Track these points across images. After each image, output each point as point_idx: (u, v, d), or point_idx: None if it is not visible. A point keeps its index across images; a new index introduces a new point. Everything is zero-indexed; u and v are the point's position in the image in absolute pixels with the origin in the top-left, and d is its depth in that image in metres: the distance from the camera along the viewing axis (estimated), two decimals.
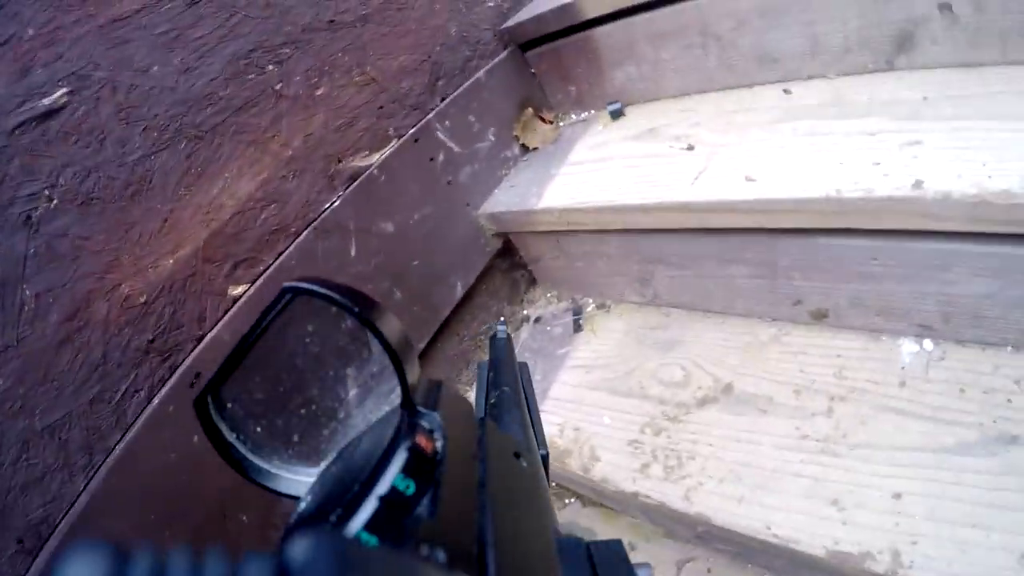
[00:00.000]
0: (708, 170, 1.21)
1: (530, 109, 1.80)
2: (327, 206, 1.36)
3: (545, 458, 0.48)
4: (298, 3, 1.34)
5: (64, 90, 1.01)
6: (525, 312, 1.74)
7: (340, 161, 1.39)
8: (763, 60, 1.35)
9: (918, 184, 0.94)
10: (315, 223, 1.31)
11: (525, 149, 1.77)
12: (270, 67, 1.29)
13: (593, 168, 1.48)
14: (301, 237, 1.28)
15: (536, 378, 1.51)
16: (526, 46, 1.75)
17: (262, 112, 1.26)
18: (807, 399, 1.11)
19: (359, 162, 1.43)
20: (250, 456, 0.38)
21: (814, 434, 1.06)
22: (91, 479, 0.98)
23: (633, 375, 1.36)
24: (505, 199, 1.61)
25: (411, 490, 0.30)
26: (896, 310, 1.11)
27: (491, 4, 1.72)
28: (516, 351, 1.60)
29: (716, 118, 1.37)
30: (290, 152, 1.30)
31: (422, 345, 1.51)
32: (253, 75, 1.26)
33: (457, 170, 1.61)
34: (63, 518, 0.94)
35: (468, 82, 1.66)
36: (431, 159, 1.56)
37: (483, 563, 0.29)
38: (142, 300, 1.06)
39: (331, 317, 0.35)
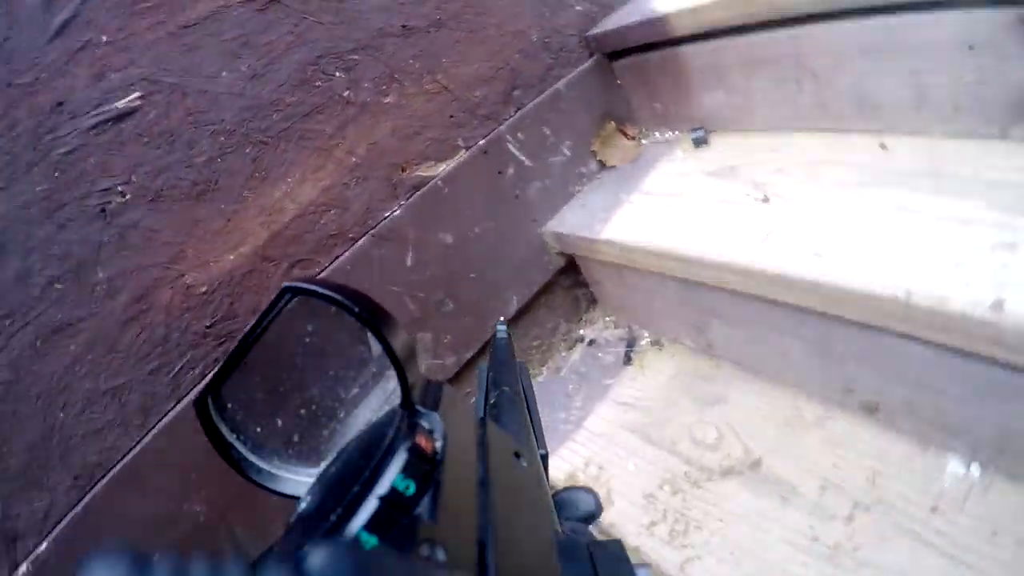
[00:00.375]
0: (777, 232, 1.13)
1: (612, 123, 1.71)
2: (387, 214, 1.36)
3: (545, 458, 0.48)
4: (370, 8, 1.33)
5: (137, 94, 1.08)
6: (581, 332, 1.71)
7: (404, 170, 1.39)
8: (861, 105, 1.22)
9: (998, 305, 0.80)
10: (374, 230, 1.32)
11: (602, 165, 1.69)
12: (338, 74, 1.30)
13: (664, 202, 1.42)
14: (359, 243, 1.30)
15: (576, 403, 1.52)
16: (614, 55, 1.65)
17: (328, 119, 1.28)
18: (831, 498, 1.05)
19: (424, 172, 1.42)
20: (250, 456, 0.39)
21: (826, 538, 1.00)
22: (143, 438, 1.11)
23: (668, 425, 1.33)
24: (572, 219, 1.56)
25: (411, 490, 0.30)
26: (950, 425, 1.00)
27: (579, 8, 1.64)
28: (565, 371, 1.64)
29: (800, 167, 1.27)
30: (354, 159, 1.31)
31: (469, 355, 1.49)
32: (321, 81, 1.28)
33: (526, 184, 1.57)
34: (114, 466, 1.08)
35: (546, 92, 1.60)
36: (500, 172, 1.52)
37: (483, 563, 0.29)
38: (203, 290, 1.15)
39: (331, 317, 0.35)
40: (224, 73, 1.17)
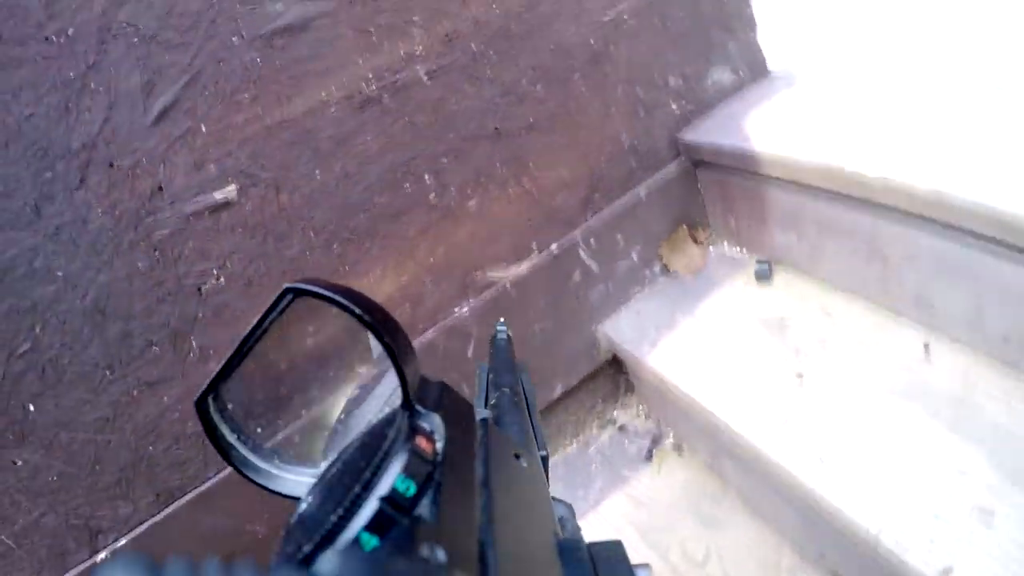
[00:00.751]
0: (796, 422, 1.20)
1: (684, 227, 1.71)
2: (455, 311, 1.41)
3: (545, 459, 0.47)
4: (466, 110, 1.35)
5: (234, 187, 1.15)
6: (615, 413, 1.77)
7: (477, 271, 1.43)
8: (919, 302, 1.25)
9: (946, 572, 0.90)
10: (440, 324, 1.38)
11: (665, 269, 1.71)
12: (426, 177, 1.34)
13: (710, 342, 1.46)
14: (426, 334, 1.36)
15: (596, 486, 1.62)
16: (699, 163, 1.65)
17: (412, 222, 1.33)
18: None
19: (495, 274, 1.46)
20: (250, 456, 0.38)
21: None
22: (220, 472, 1.28)
23: (667, 532, 1.42)
24: (626, 328, 1.62)
25: (411, 491, 0.29)
26: None
27: (674, 107, 1.62)
28: (593, 450, 1.69)
29: (844, 345, 1.31)
30: (432, 260, 1.36)
31: None
32: (409, 184, 1.32)
33: (589, 289, 1.60)
34: (192, 490, 1.27)
35: (625, 197, 1.61)
36: (567, 276, 1.56)
37: (484, 564, 0.29)
38: None
39: (331, 318, 0.35)
40: (318, 172, 1.23)
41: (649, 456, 1.61)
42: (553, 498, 0.39)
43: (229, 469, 1.04)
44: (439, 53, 1.29)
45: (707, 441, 1.46)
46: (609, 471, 1.61)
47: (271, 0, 1.11)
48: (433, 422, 0.33)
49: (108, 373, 1.13)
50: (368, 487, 0.29)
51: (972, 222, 1.02)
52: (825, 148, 1.26)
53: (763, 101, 1.56)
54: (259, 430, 0.39)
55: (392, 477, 0.30)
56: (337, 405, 0.39)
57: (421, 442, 0.32)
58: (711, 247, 1.72)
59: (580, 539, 0.37)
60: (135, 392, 1.17)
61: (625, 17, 1.47)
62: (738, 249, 1.68)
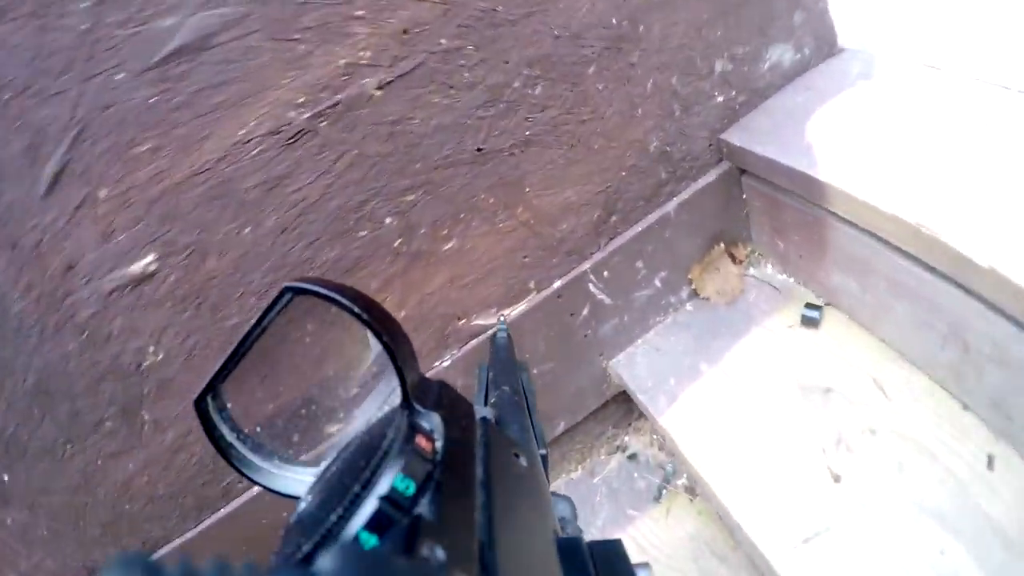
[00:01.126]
0: (819, 540, 1.07)
1: (721, 245, 1.50)
2: (436, 364, 1.30)
3: (545, 458, 0.50)
4: (434, 129, 1.12)
5: (152, 256, 1.03)
6: (627, 439, 1.64)
7: (460, 319, 1.30)
8: (995, 406, 1.09)
9: None
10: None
11: (694, 294, 1.52)
12: (388, 220, 1.15)
13: (735, 407, 1.31)
14: None
15: (599, 519, 1.54)
16: (746, 170, 1.41)
17: (373, 274, 1.19)
18: None
19: (483, 320, 1.31)
20: (250, 456, 0.41)
21: None
22: (196, 525, 1.28)
23: None
24: (641, 368, 1.46)
25: (411, 490, 0.31)
26: None
27: (719, 99, 1.34)
28: (599, 479, 1.62)
29: (896, 440, 1.15)
30: (403, 313, 1.24)
31: None
32: (366, 231, 1.15)
33: (600, 324, 1.43)
34: (175, 539, 1.27)
35: (651, 216, 1.39)
36: (571, 314, 1.39)
37: (483, 563, 0.30)
38: None
39: (331, 317, 0.36)
40: (248, 230, 1.07)
41: (659, 496, 1.53)
42: (554, 493, 0.40)
43: (209, 520, 1.03)
44: (394, 56, 1.04)
45: (721, 524, 1.38)
46: (615, 506, 1.55)
47: (158, 15, 0.89)
48: (432, 421, 0.36)
49: (69, 447, 1.14)
50: (367, 486, 0.30)
51: None
52: (915, 195, 1.04)
53: (833, 94, 1.30)
54: (259, 429, 0.42)
55: (391, 476, 0.31)
56: (337, 404, 0.40)
57: (420, 441, 0.33)
58: (752, 268, 1.53)
59: (580, 538, 0.39)
60: (99, 462, 1.18)
61: None
62: (784, 276, 1.49)
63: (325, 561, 0.20)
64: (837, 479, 1.13)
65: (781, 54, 1.34)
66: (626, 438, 1.66)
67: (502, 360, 0.61)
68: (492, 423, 0.42)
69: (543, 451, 0.50)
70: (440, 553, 0.27)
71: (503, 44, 1.10)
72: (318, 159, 1.05)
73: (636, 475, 1.60)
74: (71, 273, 1.00)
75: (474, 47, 1.08)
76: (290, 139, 1.02)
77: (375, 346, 0.35)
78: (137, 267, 1.02)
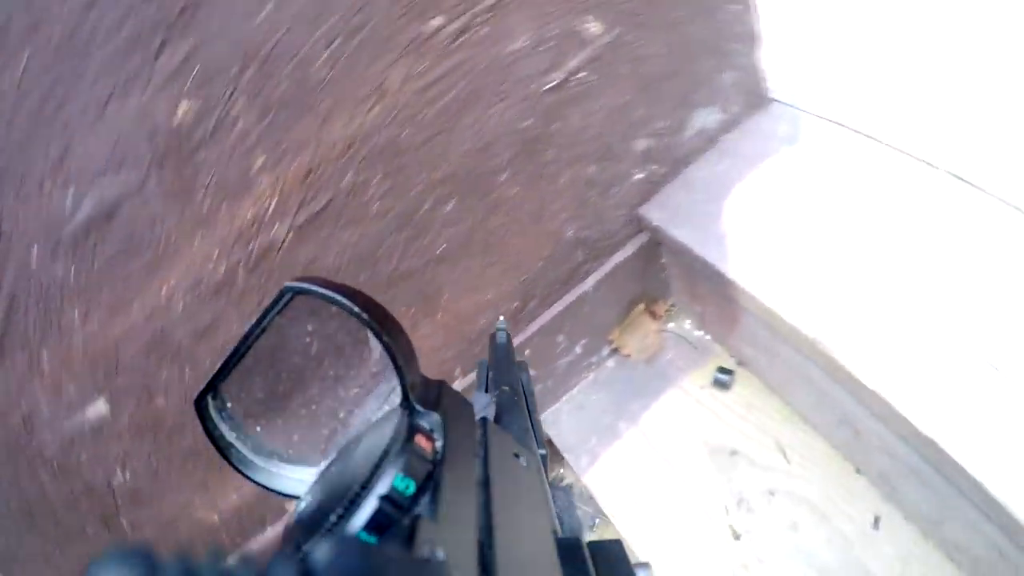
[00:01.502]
0: None
1: (642, 305, 1.50)
2: None
3: (545, 458, 0.49)
4: (348, 262, 1.10)
5: (102, 400, 1.03)
6: (562, 471, 1.58)
7: None
8: (883, 478, 1.13)
9: None
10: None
11: (615, 352, 1.53)
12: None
13: (649, 466, 1.35)
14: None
15: None
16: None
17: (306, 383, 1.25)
18: None
19: None
20: (250, 455, 0.41)
21: None
22: None
23: None
24: (565, 426, 1.49)
25: (411, 490, 0.30)
26: None
27: (639, 177, 1.29)
28: None
29: (792, 503, 1.20)
30: None
31: None
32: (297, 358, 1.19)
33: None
34: None
35: (569, 296, 1.38)
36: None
37: (483, 563, 0.29)
38: (215, 519, 1.25)
39: (331, 317, 0.36)
40: (187, 371, 1.07)
41: (593, 525, 1.47)
42: (553, 488, 0.38)
43: None
44: (300, 200, 1.01)
45: None
46: None
47: (59, 193, 0.86)
48: (432, 421, 0.35)
49: (57, 552, 1.14)
50: (367, 486, 0.30)
51: (974, 494, 0.86)
52: (815, 307, 1.04)
53: (754, 163, 1.25)
54: (259, 429, 0.41)
55: (391, 476, 0.30)
56: (337, 404, 0.40)
57: (420, 441, 0.33)
58: (671, 322, 1.54)
59: (580, 538, 0.38)
60: (87, 561, 1.17)
61: (580, 75, 1.11)
62: (700, 333, 1.51)
63: (320, 551, 0.19)
64: (737, 537, 1.19)
65: (707, 117, 1.30)
66: (561, 470, 1.61)
67: (502, 360, 0.60)
68: (492, 423, 0.42)
69: (543, 451, 0.50)
70: (440, 553, 0.26)
71: (409, 171, 1.06)
72: (240, 306, 1.04)
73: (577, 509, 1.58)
74: (30, 424, 0.99)
75: (381, 176, 1.05)
76: (212, 291, 1.01)
77: (375, 346, 0.36)
78: (91, 411, 1.03)
